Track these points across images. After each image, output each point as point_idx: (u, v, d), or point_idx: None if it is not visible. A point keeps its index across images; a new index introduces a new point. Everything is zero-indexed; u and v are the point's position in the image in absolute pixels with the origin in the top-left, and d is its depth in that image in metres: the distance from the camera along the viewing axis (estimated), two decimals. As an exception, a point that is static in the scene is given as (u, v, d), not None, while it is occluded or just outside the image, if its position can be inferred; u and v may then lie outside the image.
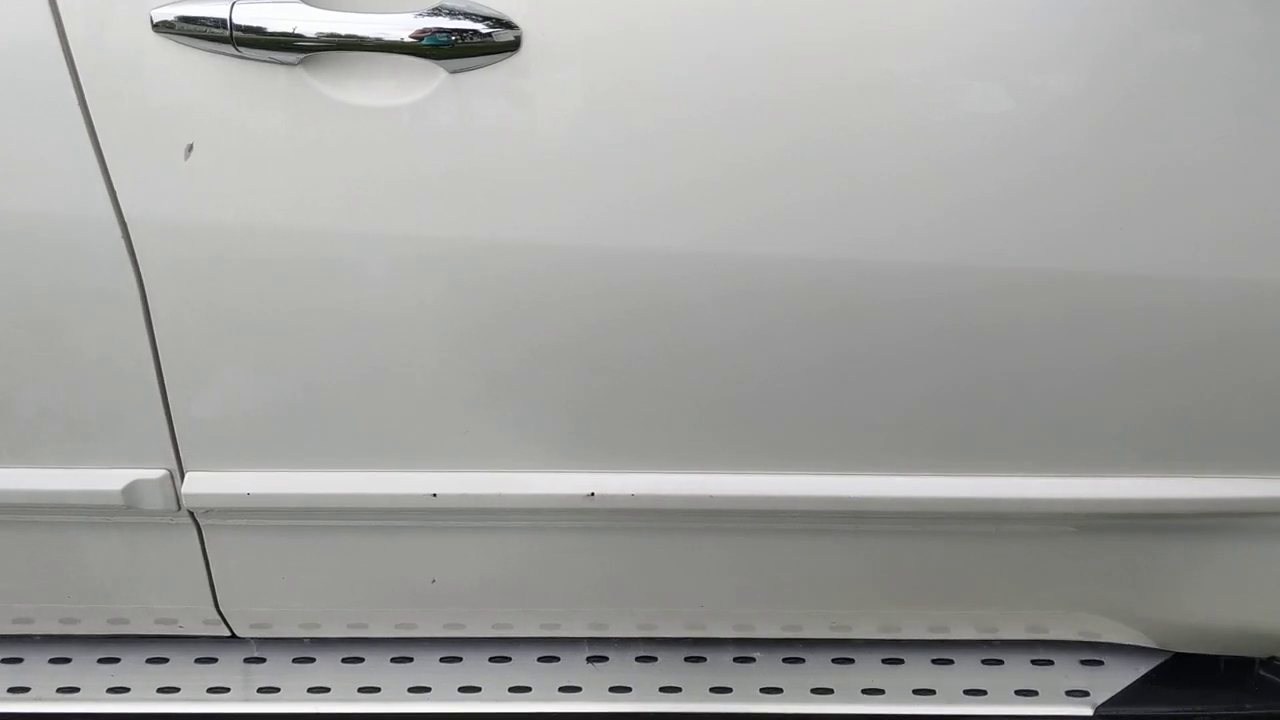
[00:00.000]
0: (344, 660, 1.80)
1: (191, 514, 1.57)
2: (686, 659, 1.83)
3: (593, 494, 1.51)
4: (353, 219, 1.31)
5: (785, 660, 1.84)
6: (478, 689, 1.76)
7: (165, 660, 1.80)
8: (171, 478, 1.51)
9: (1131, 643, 1.82)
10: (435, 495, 1.49)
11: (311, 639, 1.81)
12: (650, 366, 1.42)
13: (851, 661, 1.84)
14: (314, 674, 1.78)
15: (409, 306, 1.38)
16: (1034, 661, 1.85)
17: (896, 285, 1.37)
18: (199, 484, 1.51)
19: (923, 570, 1.70)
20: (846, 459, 1.52)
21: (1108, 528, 1.64)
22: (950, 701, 1.79)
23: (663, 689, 1.79)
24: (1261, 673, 1.83)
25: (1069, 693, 1.81)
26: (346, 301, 1.37)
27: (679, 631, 1.79)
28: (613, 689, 1.78)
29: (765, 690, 1.79)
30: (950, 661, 1.85)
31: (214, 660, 1.80)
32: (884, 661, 1.85)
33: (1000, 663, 1.85)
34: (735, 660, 1.84)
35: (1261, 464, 1.55)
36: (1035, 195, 1.32)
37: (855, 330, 1.40)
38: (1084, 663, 1.85)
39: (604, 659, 1.82)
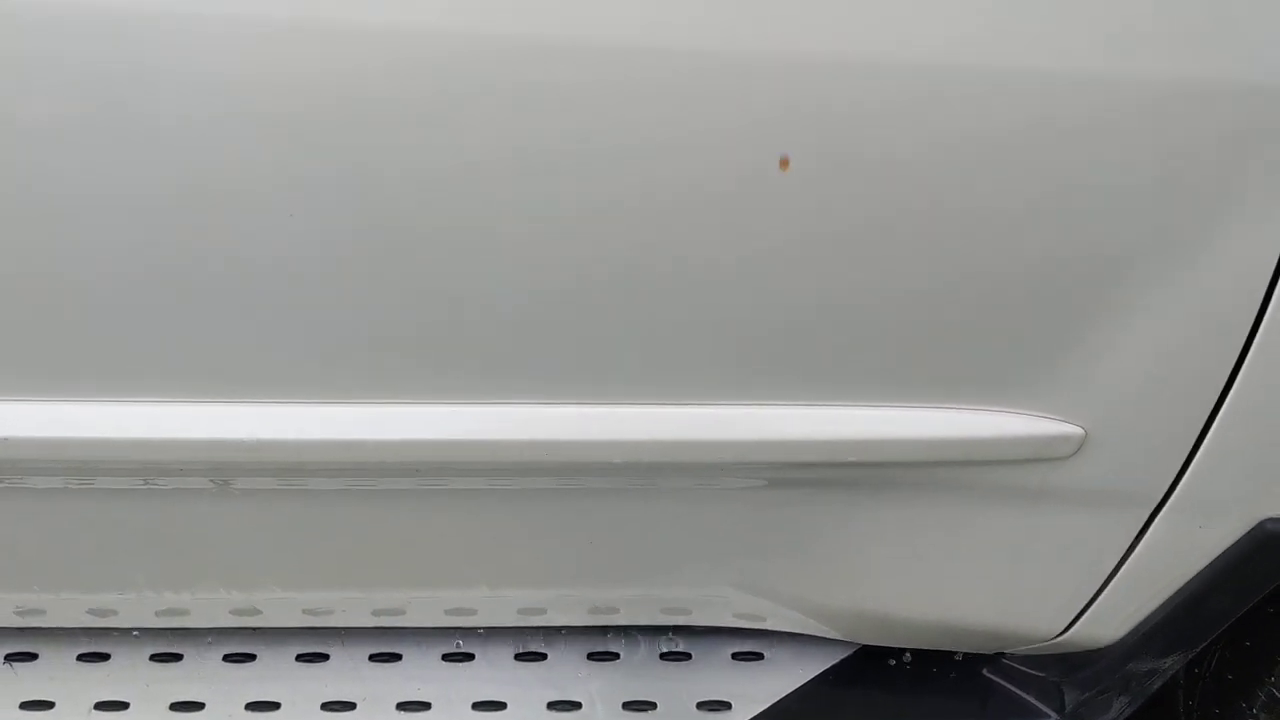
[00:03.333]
0: None
1: None
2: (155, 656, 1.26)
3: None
4: None
5: (301, 657, 1.27)
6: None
7: None
8: None
9: (804, 632, 1.25)
10: None
11: None
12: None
13: (399, 658, 1.27)
14: None
15: None
16: (664, 656, 1.28)
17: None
18: None
19: (515, 537, 1.12)
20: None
21: (774, 480, 1.06)
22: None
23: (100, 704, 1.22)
24: (988, 674, 1.26)
25: (703, 705, 1.24)
26: None
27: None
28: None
29: (258, 706, 1.22)
30: (542, 657, 1.28)
31: None
32: (445, 658, 1.27)
33: (614, 657, 1.28)
34: (227, 659, 1.26)
35: (995, 390, 0.97)
36: None
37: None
38: (737, 657, 1.28)
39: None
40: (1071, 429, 0.96)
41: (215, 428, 0.93)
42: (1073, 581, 1.09)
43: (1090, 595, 1.09)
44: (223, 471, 0.98)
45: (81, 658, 1.26)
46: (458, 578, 1.17)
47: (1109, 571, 1.07)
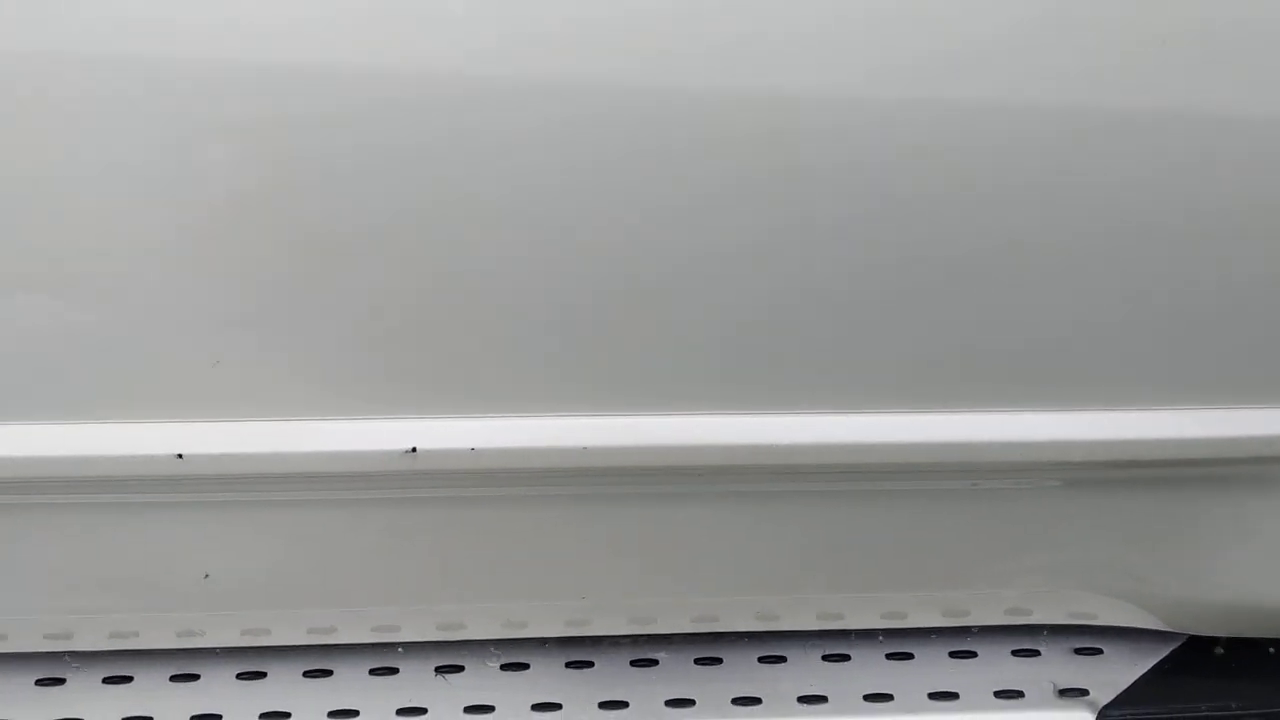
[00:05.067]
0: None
1: None
2: (569, 664, 1.41)
3: (414, 449, 1.08)
4: None
5: (699, 661, 1.42)
6: (287, 715, 1.34)
7: None
8: None
9: (1136, 626, 1.42)
10: (181, 456, 1.05)
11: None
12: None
13: (783, 660, 1.43)
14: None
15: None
16: (1015, 653, 1.45)
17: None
18: None
19: (869, 542, 1.29)
20: (761, 393, 1.11)
21: (1107, 479, 1.23)
22: (913, 709, 1.39)
23: (537, 706, 1.37)
24: (1305, 658, 1.44)
25: (1063, 692, 1.41)
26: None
27: (556, 630, 1.37)
28: (471, 709, 1.37)
29: (673, 703, 1.38)
30: (909, 656, 1.44)
31: None
32: (825, 659, 1.43)
33: (973, 655, 1.44)
34: (632, 664, 1.41)
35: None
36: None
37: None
38: (1078, 652, 1.45)
39: (460, 669, 1.40)
40: None
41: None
42: None
43: None
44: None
45: (505, 667, 1.41)
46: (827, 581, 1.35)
47: None
